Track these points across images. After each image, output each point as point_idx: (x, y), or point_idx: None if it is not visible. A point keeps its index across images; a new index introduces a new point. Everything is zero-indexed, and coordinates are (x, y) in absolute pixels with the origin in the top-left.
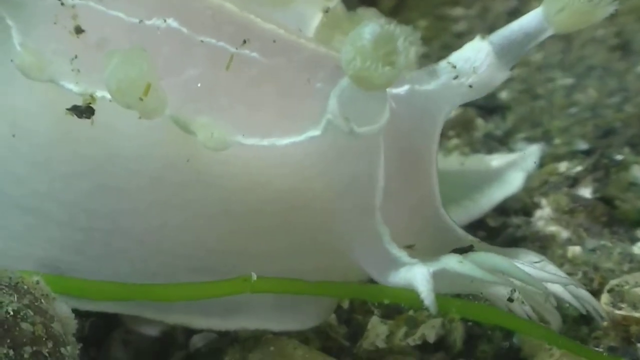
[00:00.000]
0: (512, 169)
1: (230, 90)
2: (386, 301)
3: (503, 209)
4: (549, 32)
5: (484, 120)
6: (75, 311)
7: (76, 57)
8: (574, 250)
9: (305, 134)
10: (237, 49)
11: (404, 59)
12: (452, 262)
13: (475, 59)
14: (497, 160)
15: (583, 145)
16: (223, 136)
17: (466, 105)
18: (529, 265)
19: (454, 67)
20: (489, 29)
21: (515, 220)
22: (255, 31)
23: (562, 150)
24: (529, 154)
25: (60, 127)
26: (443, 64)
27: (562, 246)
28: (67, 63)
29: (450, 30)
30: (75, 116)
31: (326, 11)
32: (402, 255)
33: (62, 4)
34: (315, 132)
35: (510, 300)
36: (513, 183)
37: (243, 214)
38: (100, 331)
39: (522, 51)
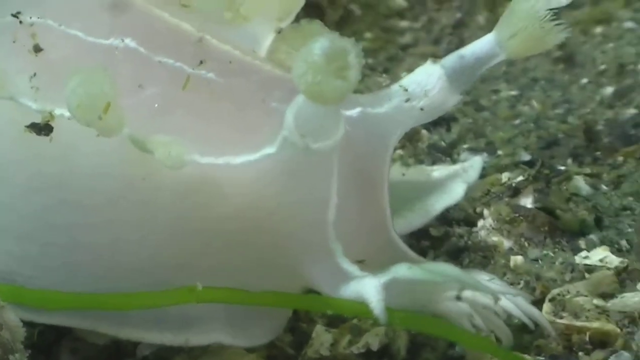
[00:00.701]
0: (453, 180)
1: (188, 109)
2: (330, 312)
3: (446, 219)
4: (501, 58)
5: (429, 131)
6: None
7: (35, 74)
8: (517, 259)
9: (260, 152)
10: (193, 69)
11: (355, 73)
12: (401, 270)
13: (427, 82)
14: (438, 171)
15: (526, 157)
16: (180, 154)
17: None
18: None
19: (406, 90)
20: (434, 41)
21: (458, 230)
22: (212, 52)
23: (505, 161)
24: (471, 166)
25: (22, 143)
26: (395, 87)
27: (504, 256)
28: (26, 80)
29: (396, 43)
30: (34, 133)
31: (279, 32)
32: (353, 269)
33: (21, 22)
34: (271, 150)
35: (458, 298)
36: (453, 194)
37: (200, 231)
38: (49, 339)
39: (473, 76)
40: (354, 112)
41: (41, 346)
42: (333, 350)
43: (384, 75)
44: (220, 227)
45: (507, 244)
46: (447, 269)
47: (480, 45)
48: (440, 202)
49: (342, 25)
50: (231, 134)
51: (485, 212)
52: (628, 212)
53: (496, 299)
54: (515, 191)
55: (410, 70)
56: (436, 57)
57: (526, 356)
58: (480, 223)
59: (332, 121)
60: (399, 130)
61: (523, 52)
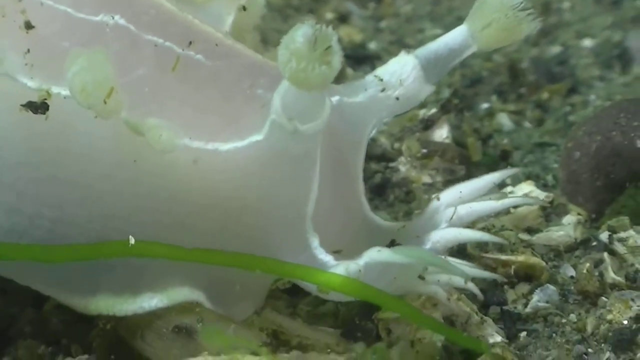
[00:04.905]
0: None
1: (176, 92)
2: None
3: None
4: (474, 49)
5: (353, 70)
6: None
7: (29, 51)
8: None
9: (248, 139)
10: (183, 50)
11: (338, 58)
12: (372, 253)
13: (402, 72)
14: None
15: (449, 94)
16: (171, 138)
17: None
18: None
19: (381, 80)
20: None
21: (375, 166)
22: (198, 33)
23: (428, 99)
24: None
25: (15, 119)
26: (370, 77)
27: (426, 191)
28: (20, 57)
29: None
30: (30, 112)
31: (243, 9)
32: (329, 259)
33: None
34: (259, 137)
35: (422, 278)
36: None
37: (185, 214)
38: None
39: (447, 66)
40: (332, 99)
41: None
42: None
43: (310, 14)
44: (204, 212)
45: (425, 179)
46: (416, 251)
47: (453, 37)
48: None
49: None
50: (220, 120)
51: (403, 147)
52: (553, 148)
53: (466, 279)
54: (428, 125)
55: (335, 11)
56: None
57: None
58: (400, 159)
59: (318, 102)
60: (375, 120)
61: (496, 42)
